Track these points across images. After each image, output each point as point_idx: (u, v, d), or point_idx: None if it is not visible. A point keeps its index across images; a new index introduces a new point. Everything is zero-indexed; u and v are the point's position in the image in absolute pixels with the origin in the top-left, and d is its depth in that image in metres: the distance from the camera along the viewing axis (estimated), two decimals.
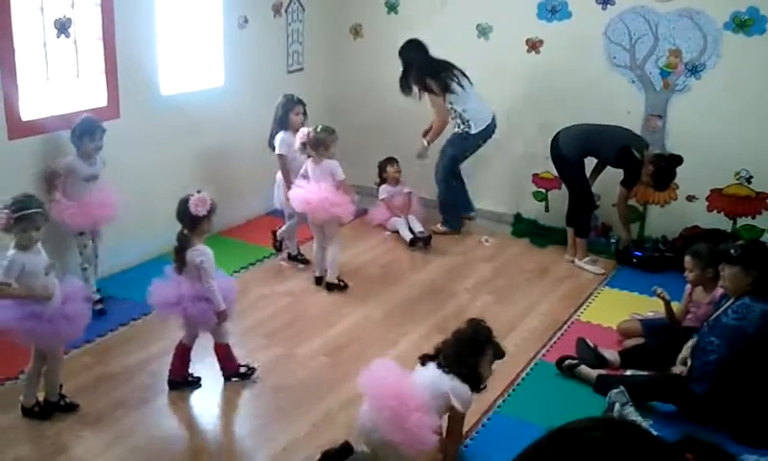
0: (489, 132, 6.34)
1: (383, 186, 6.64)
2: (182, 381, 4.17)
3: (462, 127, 6.27)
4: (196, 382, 4.20)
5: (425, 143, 6.39)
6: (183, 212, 3.97)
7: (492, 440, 3.80)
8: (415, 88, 6.29)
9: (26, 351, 3.93)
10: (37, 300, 3.60)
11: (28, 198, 3.69)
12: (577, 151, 5.78)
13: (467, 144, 6.34)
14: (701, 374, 3.91)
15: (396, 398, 3.29)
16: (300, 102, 5.62)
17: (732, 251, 3.96)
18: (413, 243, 6.16)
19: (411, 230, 6.31)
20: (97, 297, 4.89)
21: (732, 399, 3.84)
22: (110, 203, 4.92)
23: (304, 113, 5.64)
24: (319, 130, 5.28)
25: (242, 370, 4.26)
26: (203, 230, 4.03)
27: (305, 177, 5.33)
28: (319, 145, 5.23)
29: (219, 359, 4.21)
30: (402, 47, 6.29)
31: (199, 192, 4.00)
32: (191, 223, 3.98)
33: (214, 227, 4.24)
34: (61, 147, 4.89)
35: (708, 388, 3.88)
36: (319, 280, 5.43)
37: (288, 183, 5.54)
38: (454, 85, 6.16)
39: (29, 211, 3.56)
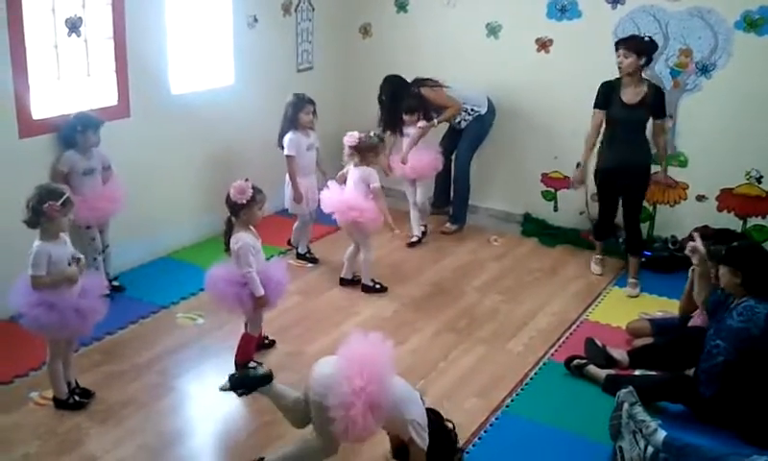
0: (493, 112, 6.46)
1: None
2: (243, 366, 4.24)
3: (471, 114, 6.37)
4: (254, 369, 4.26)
5: (435, 122, 6.30)
6: (227, 198, 4.12)
7: (501, 440, 3.80)
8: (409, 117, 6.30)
9: (32, 349, 3.96)
10: (69, 280, 3.66)
11: (54, 186, 3.79)
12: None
13: (483, 124, 6.45)
14: (709, 377, 3.90)
15: (362, 377, 3.14)
16: (311, 101, 5.61)
17: (723, 251, 3.97)
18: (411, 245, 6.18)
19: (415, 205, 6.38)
20: (115, 283, 5.13)
21: (740, 400, 3.83)
22: (117, 196, 5.01)
23: (314, 113, 5.64)
24: (372, 135, 5.34)
25: (251, 365, 4.29)
26: (243, 219, 4.14)
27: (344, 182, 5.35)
28: (370, 151, 5.26)
29: (238, 346, 4.30)
30: (387, 84, 6.27)
31: (246, 180, 4.12)
32: (231, 209, 4.14)
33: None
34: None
35: (717, 390, 3.87)
36: (343, 281, 5.45)
37: (295, 185, 5.54)
38: (440, 83, 6.30)
39: (66, 196, 3.68)
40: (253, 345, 4.36)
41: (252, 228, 4.22)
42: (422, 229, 6.36)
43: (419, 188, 6.34)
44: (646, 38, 5.31)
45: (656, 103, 5.27)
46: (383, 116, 6.28)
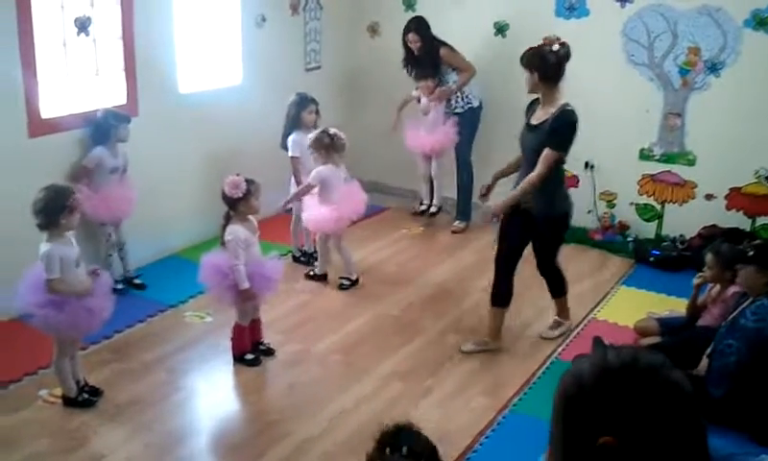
0: (482, 108, 6.56)
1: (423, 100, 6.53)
2: (239, 358, 4.37)
3: (464, 102, 6.42)
4: (252, 362, 4.37)
5: (454, 87, 6.39)
6: (223, 195, 4.21)
7: (507, 438, 3.80)
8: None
9: (42, 347, 3.98)
10: (80, 295, 3.69)
11: (62, 184, 3.87)
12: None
13: (476, 118, 6.54)
14: (720, 376, 3.87)
15: None
16: (313, 100, 5.60)
17: (749, 250, 3.94)
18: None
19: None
20: (137, 281, 5.25)
21: (752, 400, 3.81)
22: (130, 197, 5.08)
23: (317, 112, 5.63)
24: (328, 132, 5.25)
25: (248, 357, 4.38)
26: (241, 211, 4.23)
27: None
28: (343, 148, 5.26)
29: (231, 338, 4.39)
30: (423, 26, 6.33)
31: (238, 175, 4.20)
32: (228, 204, 4.24)
33: None
34: (82, 145, 4.97)
35: (727, 391, 3.85)
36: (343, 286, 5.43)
37: (301, 186, 5.54)
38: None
39: (77, 195, 3.75)
40: (246, 334, 4.40)
41: (251, 219, 4.31)
42: (438, 204, 6.61)
43: (434, 161, 6.54)
44: (551, 48, 4.25)
45: (552, 127, 4.20)
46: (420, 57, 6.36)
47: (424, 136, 6.48)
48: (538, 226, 4.42)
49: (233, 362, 4.38)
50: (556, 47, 4.23)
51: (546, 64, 4.22)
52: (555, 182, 4.35)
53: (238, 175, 4.22)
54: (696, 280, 4.54)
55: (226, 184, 4.19)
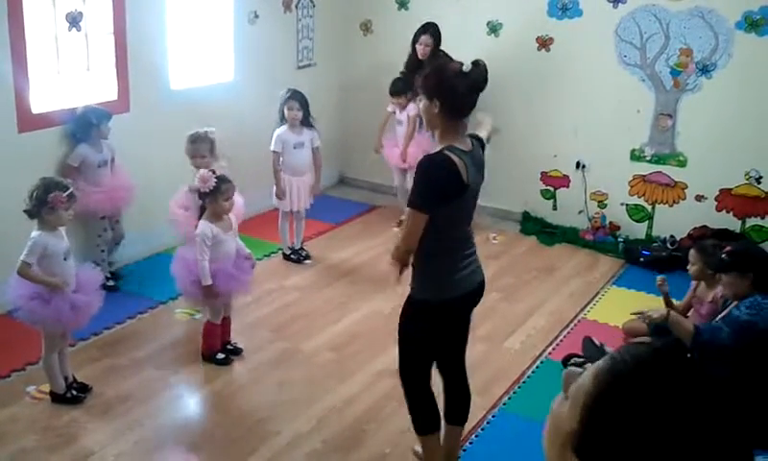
0: None
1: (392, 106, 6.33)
2: (209, 357, 4.34)
3: None
4: (222, 361, 4.35)
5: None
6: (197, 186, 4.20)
7: (497, 438, 3.81)
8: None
9: (30, 343, 3.96)
10: (53, 288, 3.65)
11: (60, 179, 3.86)
12: None
13: None
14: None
15: None
16: (295, 97, 5.51)
17: (724, 256, 3.94)
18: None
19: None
20: (110, 282, 5.06)
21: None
22: (128, 186, 5.10)
23: (302, 109, 5.51)
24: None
25: (219, 356, 4.36)
26: (210, 208, 4.19)
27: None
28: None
29: (202, 336, 4.37)
30: (437, 35, 6.21)
31: (212, 171, 4.18)
32: (198, 197, 4.22)
33: None
34: (69, 141, 4.94)
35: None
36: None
37: (277, 180, 5.53)
38: None
39: (71, 189, 3.72)
40: (216, 333, 4.38)
41: (225, 218, 4.26)
42: None
43: (410, 174, 6.38)
44: (461, 69, 3.26)
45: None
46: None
47: (400, 149, 6.26)
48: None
49: (202, 360, 4.34)
50: (467, 68, 3.18)
51: (455, 94, 3.09)
52: (429, 255, 3.19)
53: (213, 171, 4.20)
54: (659, 282, 4.49)
55: (196, 177, 4.18)
